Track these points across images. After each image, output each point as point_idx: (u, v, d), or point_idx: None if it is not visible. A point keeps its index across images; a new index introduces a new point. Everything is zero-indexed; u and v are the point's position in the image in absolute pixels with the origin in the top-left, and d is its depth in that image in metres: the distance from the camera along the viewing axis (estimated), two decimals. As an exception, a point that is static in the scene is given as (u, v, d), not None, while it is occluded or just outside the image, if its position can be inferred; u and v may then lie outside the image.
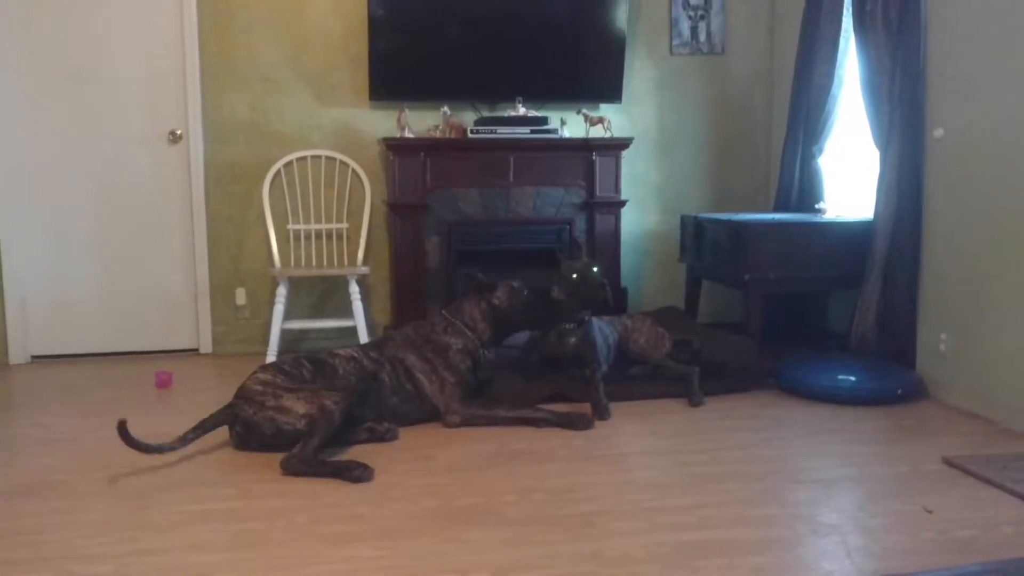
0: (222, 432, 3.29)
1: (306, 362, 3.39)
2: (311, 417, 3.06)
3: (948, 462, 3.01)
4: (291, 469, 2.92)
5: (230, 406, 3.18)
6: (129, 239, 4.78)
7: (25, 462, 3.07)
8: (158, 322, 4.85)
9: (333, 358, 3.44)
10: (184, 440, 3.02)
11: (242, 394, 3.19)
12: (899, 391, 3.78)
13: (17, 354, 4.67)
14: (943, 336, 3.81)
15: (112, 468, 2.99)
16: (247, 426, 3.15)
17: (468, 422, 3.48)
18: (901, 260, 3.99)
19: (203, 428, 3.10)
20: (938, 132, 3.83)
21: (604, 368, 3.81)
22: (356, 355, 3.48)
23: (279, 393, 3.15)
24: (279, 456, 3.09)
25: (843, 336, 4.33)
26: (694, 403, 3.77)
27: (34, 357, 4.73)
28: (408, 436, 3.35)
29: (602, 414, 3.55)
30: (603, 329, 3.94)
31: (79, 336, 4.77)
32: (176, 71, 4.72)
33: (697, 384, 3.83)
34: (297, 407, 3.10)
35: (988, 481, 2.82)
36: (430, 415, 3.52)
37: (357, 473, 2.88)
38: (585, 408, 3.58)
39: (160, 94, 4.73)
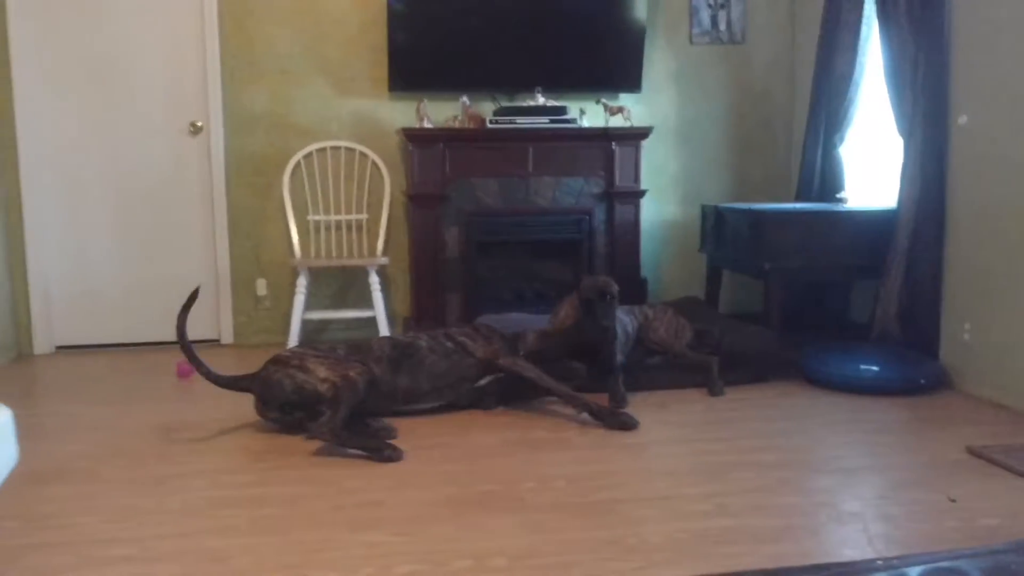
0: (243, 419, 3.32)
1: (341, 346, 3.46)
2: (333, 384, 3.12)
3: (972, 451, 2.98)
4: (319, 435, 2.98)
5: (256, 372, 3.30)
6: (151, 230, 4.81)
7: (50, 449, 3.10)
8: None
9: (369, 340, 3.51)
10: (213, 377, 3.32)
11: (270, 359, 3.31)
12: (922, 381, 3.75)
13: (42, 344, 4.72)
14: (967, 325, 3.77)
15: (134, 454, 3.02)
16: (266, 384, 3.21)
17: (515, 367, 3.48)
18: (924, 249, 3.95)
19: (232, 381, 3.31)
20: (962, 119, 3.78)
21: (622, 358, 3.80)
22: (392, 334, 3.53)
23: (305, 356, 3.26)
24: (298, 443, 3.12)
25: (865, 325, 4.29)
26: (714, 393, 3.76)
27: (58, 347, 4.78)
28: (427, 424, 3.36)
29: (620, 402, 3.54)
30: (623, 319, 3.92)
31: (102, 326, 4.82)
32: (197, 63, 4.75)
33: (717, 374, 3.81)
34: (319, 370, 3.18)
35: (1013, 470, 2.79)
36: (468, 384, 3.52)
37: (388, 453, 2.92)
38: (595, 399, 3.57)
39: (181, 86, 4.76)
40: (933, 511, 2.50)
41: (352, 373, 3.17)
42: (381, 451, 2.93)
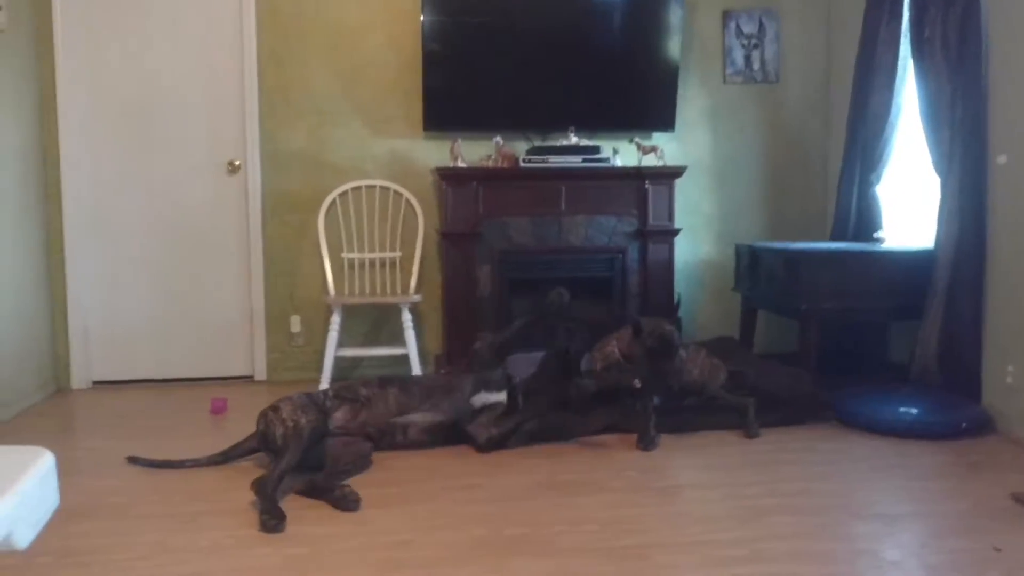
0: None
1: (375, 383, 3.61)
2: (286, 431, 3.14)
3: (1017, 499, 2.89)
4: (253, 488, 2.91)
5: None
6: (188, 267, 4.88)
7: (83, 483, 3.13)
8: (214, 349, 4.93)
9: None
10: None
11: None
12: (964, 424, 3.66)
13: (79, 379, 4.78)
14: (1010, 368, 3.68)
15: (167, 491, 3.03)
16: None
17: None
18: (964, 289, 3.88)
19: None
20: (1002, 159, 3.73)
21: (656, 400, 3.76)
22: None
23: (283, 401, 3.31)
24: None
25: (904, 367, 4.21)
26: (750, 435, 3.70)
27: (95, 382, 4.84)
28: (456, 464, 3.34)
29: (647, 445, 3.50)
30: None
31: (138, 362, 4.87)
32: (235, 102, 4.84)
33: (753, 416, 3.76)
34: (284, 412, 3.21)
35: (1060, 519, 2.71)
36: (461, 397, 3.63)
37: (272, 523, 2.70)
38: (626, 440, 3.54)
39: (219, 125, 4.85)
40: (977, 561, 2.42)
41: (303, 420, 3.18)
42: (276, 520, 2.72)
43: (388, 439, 3.50)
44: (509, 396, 3.68)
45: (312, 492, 3.00)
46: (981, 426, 3.71)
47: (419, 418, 3.56)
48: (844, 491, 3.02)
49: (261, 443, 3.26)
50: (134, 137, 4.79)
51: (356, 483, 3.08)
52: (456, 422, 3.60)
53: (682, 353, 4.05)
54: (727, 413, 3.82)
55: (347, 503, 2.89)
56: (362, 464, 3.28)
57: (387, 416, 3.50)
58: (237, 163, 4.85)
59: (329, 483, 3.00)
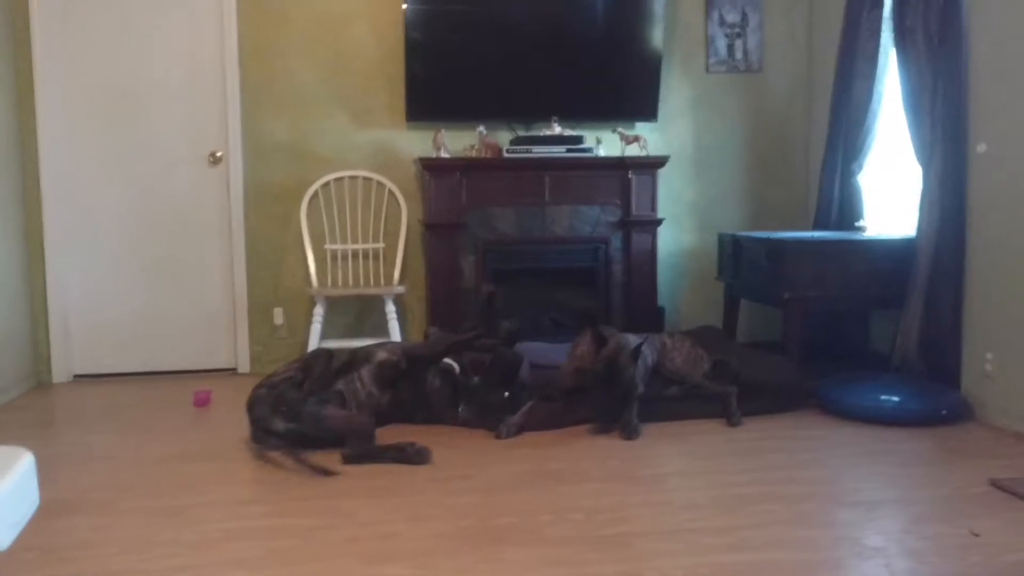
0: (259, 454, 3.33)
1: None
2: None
3: (996, 484, 2.93)
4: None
5: None
6: (169, 260, 4.85)
7: (67, 479, 3.11)
8: (197, 342, 4.90)
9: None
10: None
11: None
12: (944, 412, 3.70)
13: (60, 373, 4.74)
14: (989, 356, 3.73)
15: (151, 485, 3.02)
16: None
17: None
18: (945, 278, 3.92)
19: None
20: (981, 147, 3.76)
21: (641, 388, 3.77)
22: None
23: None
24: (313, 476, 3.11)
25: (885, 355, 4.25)
26: (732, 423, 3.73)
27: (76, 376, 4.81)
28: (444, 456, 3.34)
29: (629, 435, 3.51)
30: (643, 351, 3.91)
31: (120, 355, 4.84)
32: (216, 94, 4.80)
33: (735, 404, 3.78)
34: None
35: (1038, 504, 2.75)
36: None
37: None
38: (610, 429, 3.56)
39: (201, 116, 4.81)
40: (957, 546, 2.45)
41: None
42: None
43: (352, 388, 3.62)
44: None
45: (368, 456, 3.20)
46: (960, 413, 3.76)
47: (371, 358, 3.73)
48: (827, 478, 3.05)
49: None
50: (114, 128, 4.75)
51: (344, 472, 3.09)
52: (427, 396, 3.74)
53: (667, 340, 4.08)
54: (710, 402, 3.84)
55: (423, 457, 3.18)
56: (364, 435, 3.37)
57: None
58: (219, 154, 4.82)
59: (389, 445, 3.25)
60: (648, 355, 3.93)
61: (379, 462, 3.20)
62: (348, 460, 3.21)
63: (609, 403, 3.61)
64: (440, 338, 3.92)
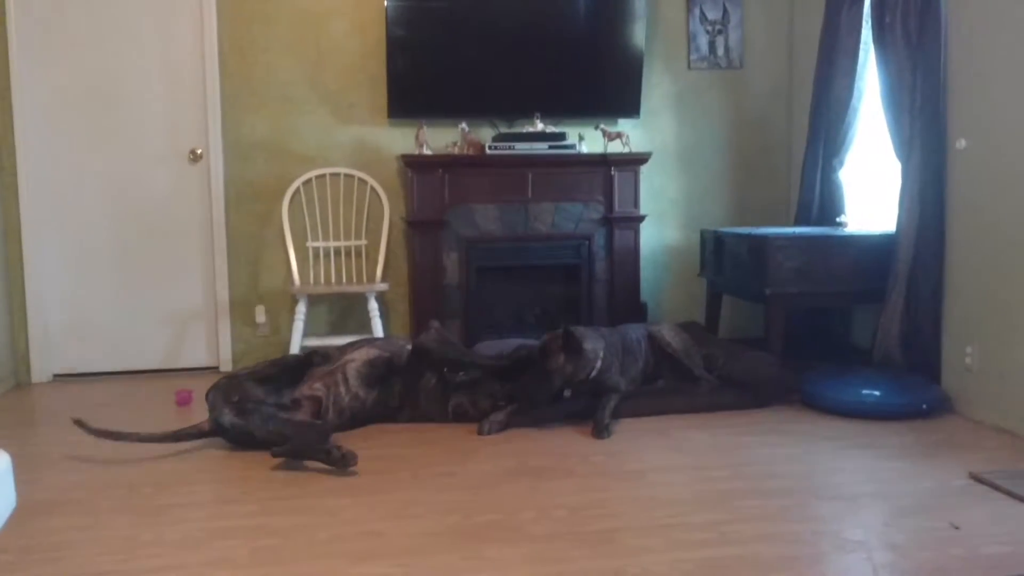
0: (243, 448, 3.31)
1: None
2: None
3: (975, 477, 2.96)
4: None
5: None
6: (150, 258, 4.81)
7: (48, 479, 3.08)
8: (178, 340, 4.87)
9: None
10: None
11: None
12: (924, 406, 3.73)
13: (39, 373, 4.70)
14: (968, 350, 3.76)
15: (133, 485, 3.00)
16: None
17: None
18: (925, 273, 3.95)
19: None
20: (961, 143, 3.79)
21: (626, 384, 3.83)
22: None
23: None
24: (299, 472, 3.11)
25: (867, 350, 4.28)
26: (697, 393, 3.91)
27: (56, 375, 4.76)
28: (428, 453, 3.34)
29: (600, 433, 3.52)
30: (632, 336, 4.04)
31: (100, 355, 4.80)
32: (196, 91, 4.77)
33: (709, 392, 3.95)
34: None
35: (1017, 496, 2.77)
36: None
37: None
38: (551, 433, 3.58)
39: (180, 114, 4.77)
40: (937, 539, 2.48)
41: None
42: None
43: (334, 391, 3.57)
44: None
45: (297, 454, 3.13)
46: (940, 407, 3.79)
47: (359, 355, 3.69)
48: (808, 472, 3.07)
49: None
50: (93, 126, 4.71)
51: (324, 472, 3.08)
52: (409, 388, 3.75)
53: (654, 327, 4.16)
54: (689, 396, 3.90)
55: (346, 461, 3.05)
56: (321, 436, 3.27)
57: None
58: (199, 152, 4.79)
59: (320, 444, 3.13)
60: (641, 347, 4.01)
61: (306, 459, 3.15)
62: (276, 455, 3.17)
63: (536, 391, 3.65)
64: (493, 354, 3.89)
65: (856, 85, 4.52)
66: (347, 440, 3.45)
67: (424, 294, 4.72)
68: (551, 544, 2.47)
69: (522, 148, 4.73)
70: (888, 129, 4.11)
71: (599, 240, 4.88)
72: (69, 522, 2.67)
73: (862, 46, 4.47)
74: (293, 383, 3.52)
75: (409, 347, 3.81)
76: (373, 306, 4.53)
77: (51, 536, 2.56)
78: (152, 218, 4.79)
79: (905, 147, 4.01)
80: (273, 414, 3.33)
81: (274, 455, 3.18)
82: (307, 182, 4.77)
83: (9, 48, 4.52)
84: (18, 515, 2.71)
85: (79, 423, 3.31)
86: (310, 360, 3.62)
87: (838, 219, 4.60)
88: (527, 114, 4.84)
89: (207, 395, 3.42)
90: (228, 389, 3.38)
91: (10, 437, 3.62)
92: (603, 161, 4.81)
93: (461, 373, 3.74)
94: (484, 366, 3.74)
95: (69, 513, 2.75)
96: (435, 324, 3.96)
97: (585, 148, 4.90)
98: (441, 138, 4.87)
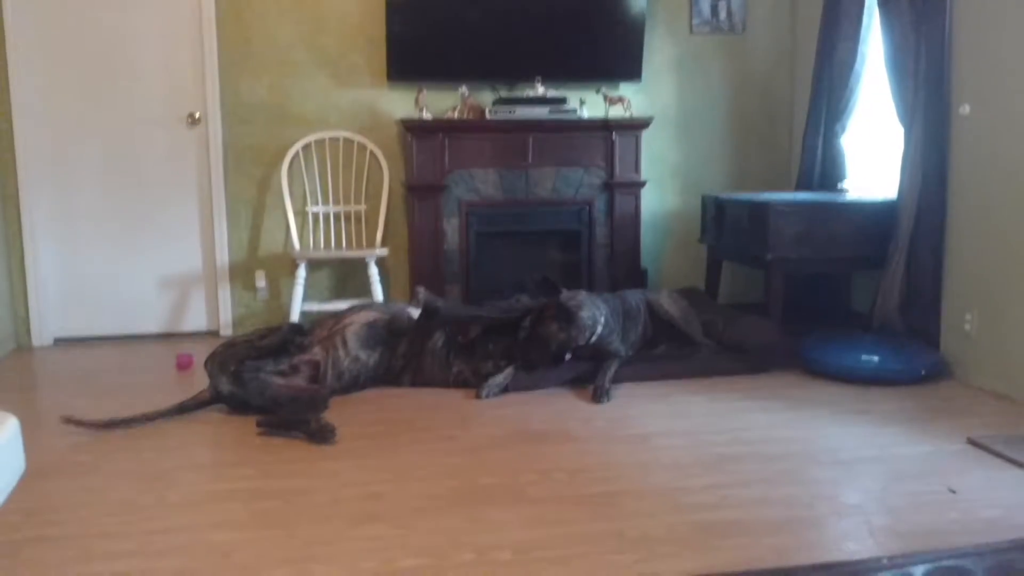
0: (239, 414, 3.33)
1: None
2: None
3: (973, 442, 2.98)
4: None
5: None
6: (149, 223, 4.79)
7: (51, 443, 3.09)
8: (178, 305, 4.87)
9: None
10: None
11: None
12: (923, 371, 3.74)
13: (40, 336, 4.70)
14: (968, 316, 3.76)
15: (134, 448, 3.02)
16: None
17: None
18: (926, 239, 3.94)
19: None
20: (964, 109, 3.76)
21: (627, 350, 3.84)
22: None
23: None
24: (300, 439, 3.12)
25: (866, 316, 4.28)
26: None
27: (56, 339, 4.77)
28: (429, 417, 3.35)
29: (599, 398, 3.54)
30: (631, 300, 4.05)
31: (100, 319, 4.81)
32: (194, 54, 4.72)
33: (703, 354, 3.99)
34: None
35: (1013, 461, 2.79)
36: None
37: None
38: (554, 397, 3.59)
39: (179, 77, 4.73)
40: (934, 503, 2.50)
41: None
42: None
43: (333, 355, 3.56)
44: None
45: (280, 426, 3.11)
46: (939, 372, 3.81)
47: (357, 318, 3.70)
48: (807, 437, 3.09)
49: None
50: (90, 89, 4.66)
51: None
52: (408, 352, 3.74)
53: (651, 294, 4.16)
54: (689, 361, 3.91)
55: (324, 435, 3.01)
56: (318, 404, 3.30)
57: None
58: (197, 115, 4.75)
59: (301, 416, 3.10)
60: (641, 313, 4.00)
61: (289, 432, 3.12)
62: (260, 425, 3.17)
63: (533, 353, 3.69)
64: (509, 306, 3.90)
65: (859, 49, 4.48)
66: (347, 404, 3.47)
67: (424, 259, 4.72)
68: (551, 507, 2.49)
69: (523, 112, 4.70)
70: (891, 94, 4.08)
71: (600, 205, 4.87)
72: (72, 485, 2.69)
73: (866, 10, 4.42)
74: (288, 352, 3.52)
75: (409, 309, 3.81)
76: (373, 271, 4.53)
77: (55, 499, 2.58)
78: (151, 182, 4.77)
79: (908, 112, 3.98)
80: (269, 383, 3.33)
81: (259, 426, 3.17)
82: (306, 146, 4.74)
83: (4, 12, 4.46)
84: (23, 477, 2.72)
85: (89, 423, 3.23)
86: (300, 330, 3.61)
87: (840, 185, 4.58)
88: (528, 78, 4.79)
89: (205, 364, 3.43)
90: (225, 358, 3.39)
91: (12, 401, 3.63)
92: (604, 126, 4.78)
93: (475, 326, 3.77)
94: (493, 319, 3.74)
95: (72, 476, 2.77)
96: (421, 289, 3.98)
97: (586, 113, 4.86)
98: (441, 102, 4.83)
